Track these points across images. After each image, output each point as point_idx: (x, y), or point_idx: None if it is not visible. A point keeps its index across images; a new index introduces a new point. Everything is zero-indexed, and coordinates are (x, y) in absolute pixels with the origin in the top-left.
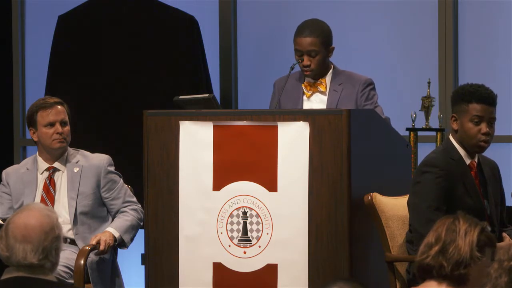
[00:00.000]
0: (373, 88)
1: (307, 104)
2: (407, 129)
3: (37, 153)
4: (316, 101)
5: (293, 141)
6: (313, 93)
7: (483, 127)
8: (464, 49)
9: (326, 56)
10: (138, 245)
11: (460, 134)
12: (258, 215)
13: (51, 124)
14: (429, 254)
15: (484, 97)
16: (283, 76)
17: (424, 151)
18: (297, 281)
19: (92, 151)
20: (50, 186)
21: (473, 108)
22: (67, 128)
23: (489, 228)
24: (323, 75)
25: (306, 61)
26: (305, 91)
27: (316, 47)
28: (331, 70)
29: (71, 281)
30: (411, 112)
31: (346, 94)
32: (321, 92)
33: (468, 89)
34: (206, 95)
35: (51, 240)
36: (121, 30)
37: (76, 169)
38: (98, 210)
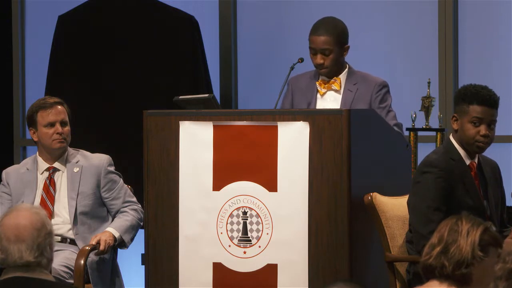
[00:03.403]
0: (388, 91)
1: (321, 103)
2: (407, 129)
3: (37, 153)
4: (330, 100)
5: (293, 141)
6: (327, 91)
7: (482, 129)
8: (464, 49)
9: (340, 55)
10: (138, 245)
11: (460, 134)
12: (258, 215)
13: (51, 124)
14: (431, 255)
15: (486, 99)
16: (298, 75)
17: (424, 151)
18: (297, 281)
19: (92, 151)
20: (50, 186)
21: (474, 110)
22: (67, 128)
23: (493, 228)
24: (338, 73)
25: (319, 60)
26: (319, 89)
27: (329, 45)
28: (346, 69)
29: (71, 281)
30: (411, 112)
31: (360, 95)
32: (335, 91)
33: (470, 90)
34: (206, 95)
35: (44, 237)
36: (121, 30)
37: (76, 169)
38: (98, 210)
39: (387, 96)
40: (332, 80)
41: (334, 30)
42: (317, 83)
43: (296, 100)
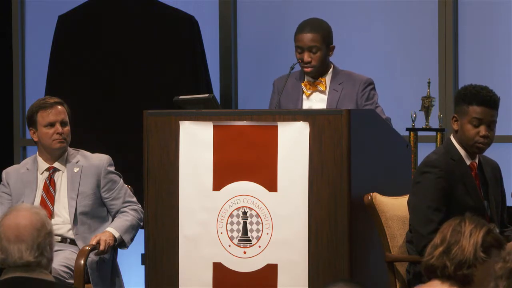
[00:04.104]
0: (373, 88)
1: (307, 103)
2: (407, 129)
3: (37, 153)
4: (315, 100)
5: (293, 141)
6: (313, 92)
7: (482, 130)
8: (464, 49)
9: (326, 54)
10: (138, 245)
11: (460, 135)
12: (258, 215)
13: (51, 124)
14: (433, 255)
15: (486, 100)
16: (282, 76)
17: (424, 151)
18: (297, 281)
19: (92, 151)
20: (50, 186)
21: (473, 110)
22: (67, 128)
23: (497, 230)
24: (323, 74)
25: (307, 58)
26: (304, 90)
27: (317, 43)
28: (331, 70)
29: (71, 281)
30: (411, 112)
31: (346, 94)
32: (321, 92)
33: (470, 91)
34: (206, 95)
35: (44, 236)
36: (121, 30)
37: (76, 169)
38: (98, 210)
39: (373, 93)
40: (318, 81)
41: (320, 29)
42: (302, 85)
43: (282, 101)
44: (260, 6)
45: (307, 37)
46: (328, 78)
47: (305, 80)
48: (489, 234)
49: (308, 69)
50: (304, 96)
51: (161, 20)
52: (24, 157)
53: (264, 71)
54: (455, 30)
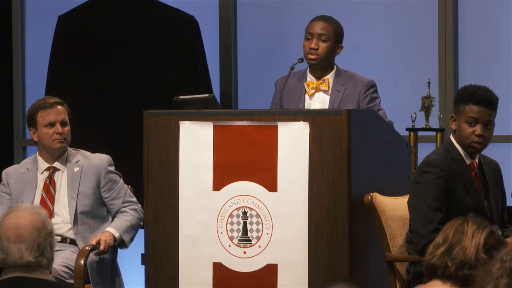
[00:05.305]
0: (376, 91)
1: (309, 103)
2: (407, 129)
3: (37, 153)
4: (318, 101)
5: (293, 141)
6: (316, 91)
7: (478, 129)
8: (464, 49)
9: (333, 49)
10: (138, 245)
11: (457, 134)
12: (258, 215)
13: (51, 124)
14: (435, 254)
15: (482, 99)
16: (284, 76)
17: (424, 151)
18: (297, 281)
19: (92, 151)
20: (50, 186)
21: (469, 110)
22: (67, 128)
23: (499, 232)
24: (326, 73)
25: (314, 44)
26: (307, 89)
27: (328, 32)
28: (333, 70)
29: (71, 281)
30: (411, 112)
31: (348, 95)
32: (324, 91)
33: (467, 90)
34: (206, 95)
35: (44, 237)
36: (121, 30)
37: (76, 169)
38: (98, 210)
39: (375, 96)
40: (321, 81)
41: (333, 23)
42: (305, 84)
43: (284, 101)
44: (260, 6)
45: (320, 24)
46: (331, 78)
47: (308, 79)
48: (491, 235)
49: (313, 56)
50: (306, 96)
51: (161, 20)
52: (24, 157)
53: (264, 71)
54: (455, 30)
